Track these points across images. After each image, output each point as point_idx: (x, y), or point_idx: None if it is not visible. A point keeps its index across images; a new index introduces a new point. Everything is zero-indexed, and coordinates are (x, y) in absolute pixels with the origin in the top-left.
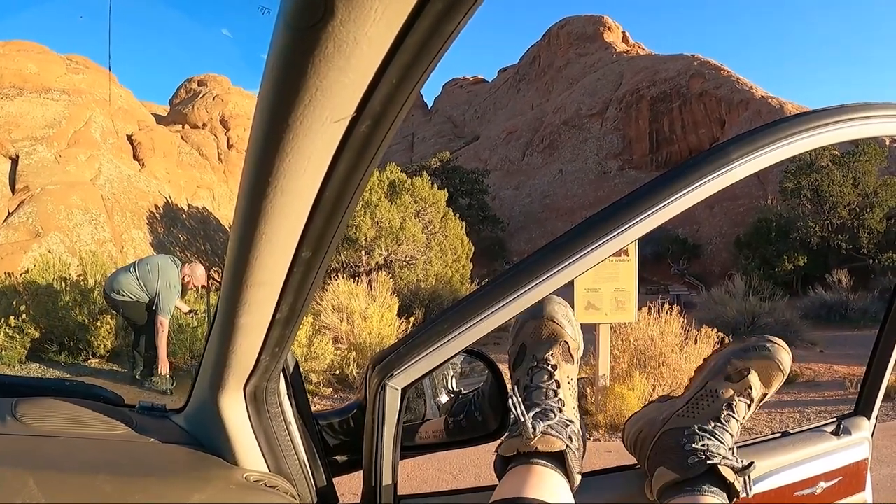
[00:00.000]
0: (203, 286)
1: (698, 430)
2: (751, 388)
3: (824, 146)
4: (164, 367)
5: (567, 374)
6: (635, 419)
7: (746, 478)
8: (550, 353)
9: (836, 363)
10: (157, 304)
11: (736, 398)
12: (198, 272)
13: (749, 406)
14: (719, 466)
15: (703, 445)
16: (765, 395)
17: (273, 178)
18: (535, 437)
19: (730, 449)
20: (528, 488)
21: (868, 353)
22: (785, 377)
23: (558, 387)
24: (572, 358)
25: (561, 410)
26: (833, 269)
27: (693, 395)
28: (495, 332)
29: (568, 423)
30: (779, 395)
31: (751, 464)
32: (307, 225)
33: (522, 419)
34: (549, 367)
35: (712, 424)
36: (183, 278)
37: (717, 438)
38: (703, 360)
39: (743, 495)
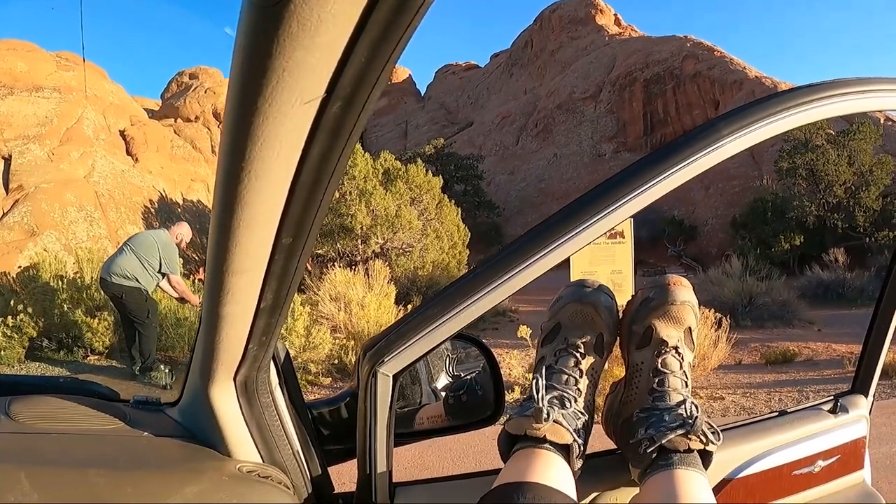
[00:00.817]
0: (188, 244)
1: (640, 413)
2: (666, 340)
3: (816, 121)
4: (195, 300)
5: (592, 366)
6: (604, 416)
7: (701, 431)
8: (583, 340)
9: (834, 342)
10: (164, 266)
11: (658, 359)
12: (184, 230)
13: (678, 352)
14: (665, 443)
15: (647, 430)
16: (689, 329)
17: (246, 162)
18: (546, 423)
19: (677, 406)
20: (537, 473)
21: (865, 331)
22: (693, 305)
23: (580, 375)
24: (603, 352)
25: (576, 400)
26: (829, 248)
27: (626, 376)
28: (492, 318)
29: (580, 415)
30: (777, 374)
31: (696, 418)
32: (285, 210)
33: (539, 405)
34: (578, 354)
35: (650, 399)
36: (174, 238)
37: (660, 410)
38: (619, 336)
39: (710, 447)
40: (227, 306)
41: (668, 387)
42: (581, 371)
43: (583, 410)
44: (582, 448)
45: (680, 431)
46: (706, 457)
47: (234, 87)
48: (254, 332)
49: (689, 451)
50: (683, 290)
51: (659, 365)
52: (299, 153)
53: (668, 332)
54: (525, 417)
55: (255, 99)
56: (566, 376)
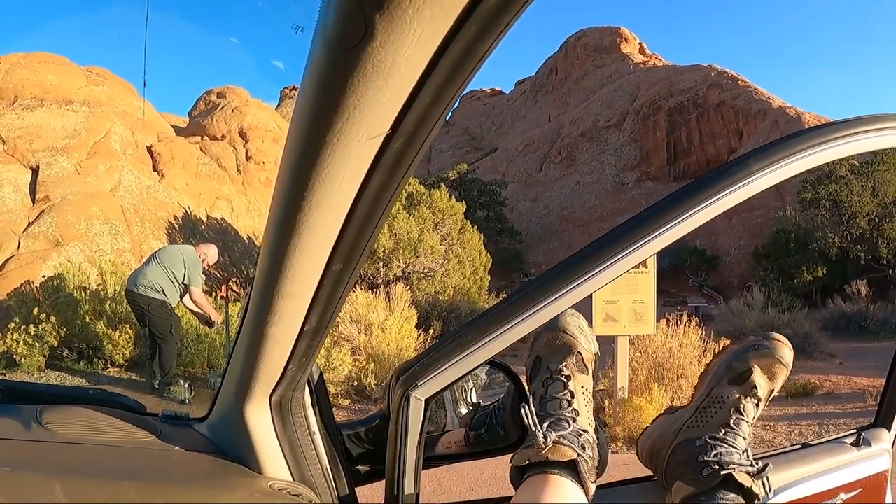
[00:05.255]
0: (211, 266)
1: (709, 439)
2: (756, 388)
3: (843, 158)
4: (216, 315)
5: (582, 385)
6: (647, 434)
7: (764, 479)
8: (564, 363)
9: (856, 375)
10: (187, 279)
11: (742, 400)
12: (210, 251)
13: (757, 405)
14: (734, 473)
15: (716, 455)
16: (771, 392)
17: (308, 192)
18: (546, 446)
19: (744, 452)
20: (544, 497)
21: (888, 364)
22: (788, 370)
23: (572, 397)
24: (587, 368)
25: (575, 420)
26: (852, 279)
27: (699, 403)
28: (512, 345)
29: (581, 432)
30: (798, 407)
31: (766, 465)
32: (339, 238)
33: (534, 429)
34: (563, 378)
35: (723, 431)
36: (199, 255)
37: (729, 445)
38: (706, 366)
39: (764, 498)
40: (272, 328)
41: (741, 430)
42: (571, 393)
43: (584, 428)
44: (591, 463)
45: (751, 470)
46: (750, 500)
47: (303, 121)
48: (295, 353)
49: (748, 492)
50: (790, 354)
51: (742, 406)
52: (359, 185)
53: (762, 381)
54: (527, 448)
55: (323, 133)
56: (558, 401)
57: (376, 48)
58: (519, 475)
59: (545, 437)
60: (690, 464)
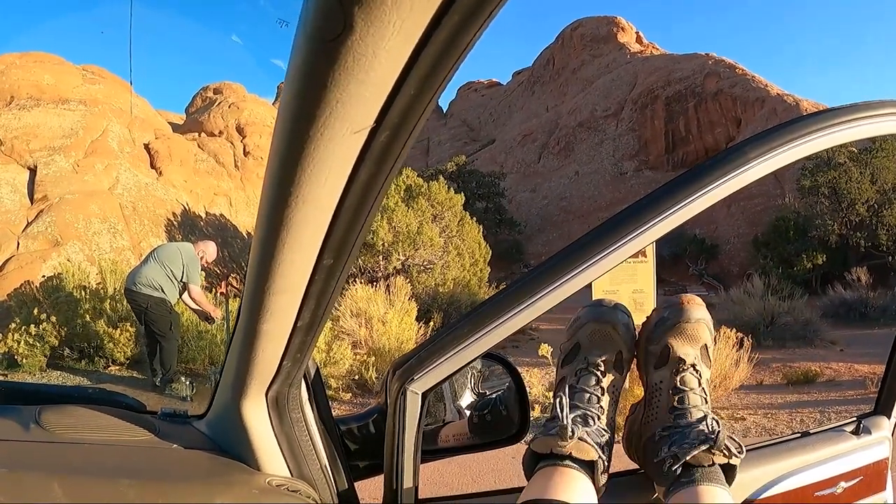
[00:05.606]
0: (210, 262)
1: (662, 431)
2: (684, 358)
3: (841, 144)
4: (216, 312)
5: (613, 384)
6: (625, 438)
7: (726, 443)
8: (603, 359)
9: (857, 362)
10: (186, 276)
11: (677, 377)
12: (209, 248)
13: (696, 369)
14: (689, 460)
15: (668, 448)
16: (705, 346)
17: (294, 187)
18: (571, 441)
19: (699, 424)
20: (560, 491)
21: (888, 351)
22: (707, 320)
23: (602, 394)
24: (623, 369)
25: (599, 418)
26: (852, 267)
27: (645, 396)
28: (513, 336)
29: (603, 432)
30: (799, 394)
31: (718, 433)
32: (328, 233)
33: (565, 423)
34: (598, 373)
35: (671, 417)
36: (197, 252)
37: (682, 428)
38: (636, 356)
39: (734, 460)
40: (265, 324)
41: (689, 404)
42: (602, 389)
43: (606, 428)
44: (606, 465)
45: (703, 447)
46: (729, 471)
47: (287, 116)
48: (289, 349)
49: (713, 465)
50: (697, 308)
51: (678, 383)
52: (346, 179)
53: (685, 350)
54: (550, 436)
55: (307, 128)
56: (588, 395)
57: (356, 41)
58: (534, 460)
59: (572, 432)
60: (655, 464)
